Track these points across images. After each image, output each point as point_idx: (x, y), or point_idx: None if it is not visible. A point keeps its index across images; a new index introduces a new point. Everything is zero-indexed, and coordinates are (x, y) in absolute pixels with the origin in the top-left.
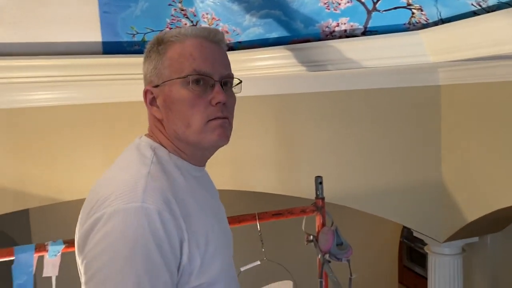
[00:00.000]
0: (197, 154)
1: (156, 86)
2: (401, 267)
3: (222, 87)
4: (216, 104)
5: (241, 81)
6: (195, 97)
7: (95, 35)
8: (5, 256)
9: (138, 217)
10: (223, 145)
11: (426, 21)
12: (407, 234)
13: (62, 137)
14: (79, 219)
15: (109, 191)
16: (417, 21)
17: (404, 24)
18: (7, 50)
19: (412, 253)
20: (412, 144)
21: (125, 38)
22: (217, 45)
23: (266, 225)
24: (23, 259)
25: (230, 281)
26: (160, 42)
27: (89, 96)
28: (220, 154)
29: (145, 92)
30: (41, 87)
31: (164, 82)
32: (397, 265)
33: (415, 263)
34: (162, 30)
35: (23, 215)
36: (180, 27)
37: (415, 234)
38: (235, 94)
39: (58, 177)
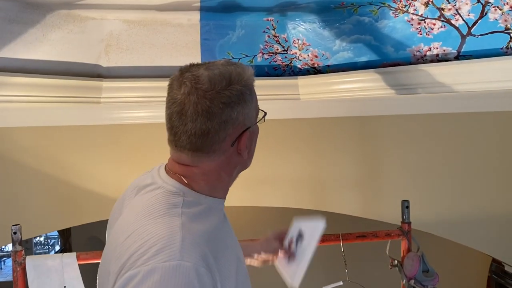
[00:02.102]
0: (231, 183)
1: (248, 128)
2: None
3: None
4: None
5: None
6: None
7: (195, 60)
8: None
9: (175, 276)
10: None
11: None
12: (496, 268)
13: (157, 151)
14: (102, 269)
15: (143, 246)
16: None
17: (502, 48)
18: (118, 73)
19: None
20: (508, 171)
21: None
22: None
23: (348, 246)
24: None
25: None
26: (249, 88)
27: None
28: (300, 173)
29: (245, 135)
30: (143, 106)
31: (255, 123)
32: None
33: None
34: (255, 55)
35: None
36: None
37: (507, 268)
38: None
39: None
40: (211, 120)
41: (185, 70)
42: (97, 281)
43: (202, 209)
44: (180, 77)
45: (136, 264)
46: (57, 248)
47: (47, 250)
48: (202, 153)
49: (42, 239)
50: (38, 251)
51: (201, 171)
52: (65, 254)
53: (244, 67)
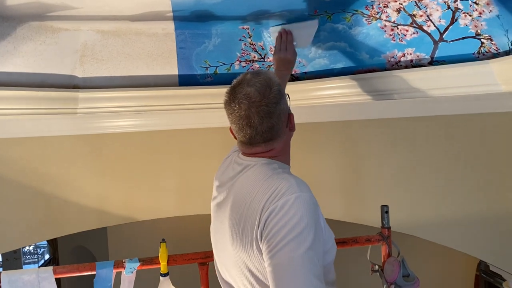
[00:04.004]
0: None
1: (289, 113)
2: None
3: None
4: None
5: None
6: None
7: (172, 69)
8: (88, 271)
9: (299, 202)
10: None
11: (496, 50)
12: (484, 267)
13: (140, 160)
14: (236, 215)
15: (273, 193)
16: (487, 51)
17: (473, 53)
18: (94, 83)
19: None
20: (489, 173)
21: (199, 71)
22: None
23: None
24: (103, 274)
25: None
26: (280, 84)
27: (166, 123)
28: None
29: (291, 116)
30: (123, 115)
31: (290, 106)
32: None
33: None
34: (233, 63)
35: (102, 231)
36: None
37: (492, 268)
38: None
39: (137, 198)
40: (272, 117)
41: (233, 93)
42: (230, 238)
43: (287, 171)
44: (234, 99)
45: (272, 203)
46: (47, 256)
47: (36, 259)
48: (273, 141)
49: (31, 248)
50: (27, 261)
51: (275, 151)
52: (41, 268)
53: (267, 72)
